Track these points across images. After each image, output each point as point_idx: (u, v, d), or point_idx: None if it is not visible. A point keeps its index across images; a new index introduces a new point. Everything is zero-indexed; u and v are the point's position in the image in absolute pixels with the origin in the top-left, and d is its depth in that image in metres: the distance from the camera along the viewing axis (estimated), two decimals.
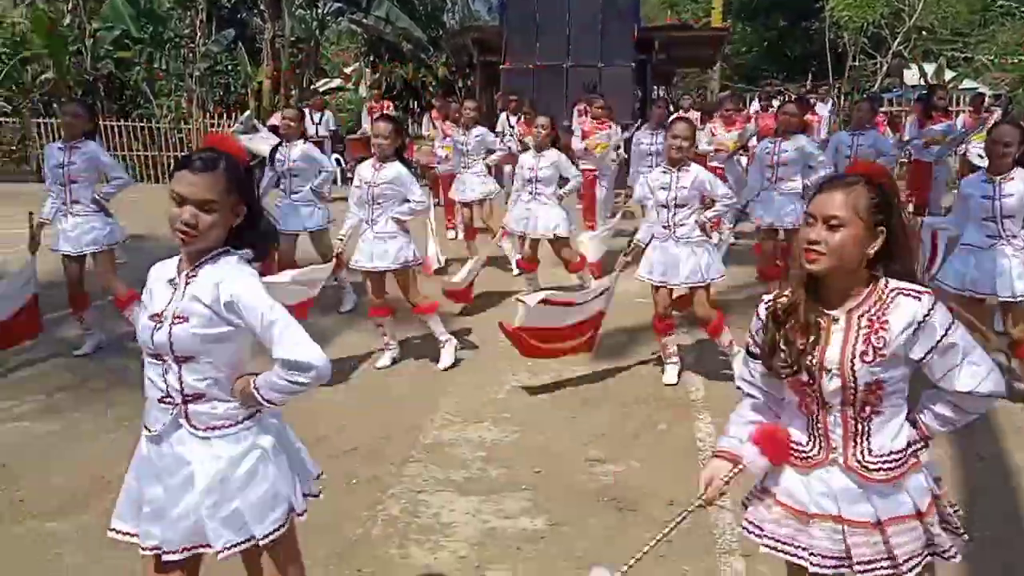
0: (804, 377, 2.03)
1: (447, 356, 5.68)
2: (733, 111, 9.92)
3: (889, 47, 22.25)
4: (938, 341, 1.95)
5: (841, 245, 1.95)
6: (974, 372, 1.98)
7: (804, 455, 2.09)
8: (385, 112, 13.50)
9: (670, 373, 5.41)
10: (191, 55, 16.82)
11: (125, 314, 5.74)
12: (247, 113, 15.77)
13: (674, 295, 5.38)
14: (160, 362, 2.16)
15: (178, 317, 2.11)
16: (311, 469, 2.41)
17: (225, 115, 16.16)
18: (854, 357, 1.97)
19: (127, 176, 6.12)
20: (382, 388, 5.34)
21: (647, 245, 5.28)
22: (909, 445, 2.04)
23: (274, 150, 6.75)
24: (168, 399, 2.18)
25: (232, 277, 2.12)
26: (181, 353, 2.12)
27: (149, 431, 2.22)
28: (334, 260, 5.56)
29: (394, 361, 5.74)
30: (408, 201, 5.40)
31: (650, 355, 5.89)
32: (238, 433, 2.19)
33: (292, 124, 6.68)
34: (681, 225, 5.11)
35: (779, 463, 2.11)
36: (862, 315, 1.99)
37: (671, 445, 4.53)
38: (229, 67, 17.54)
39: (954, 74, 25.89)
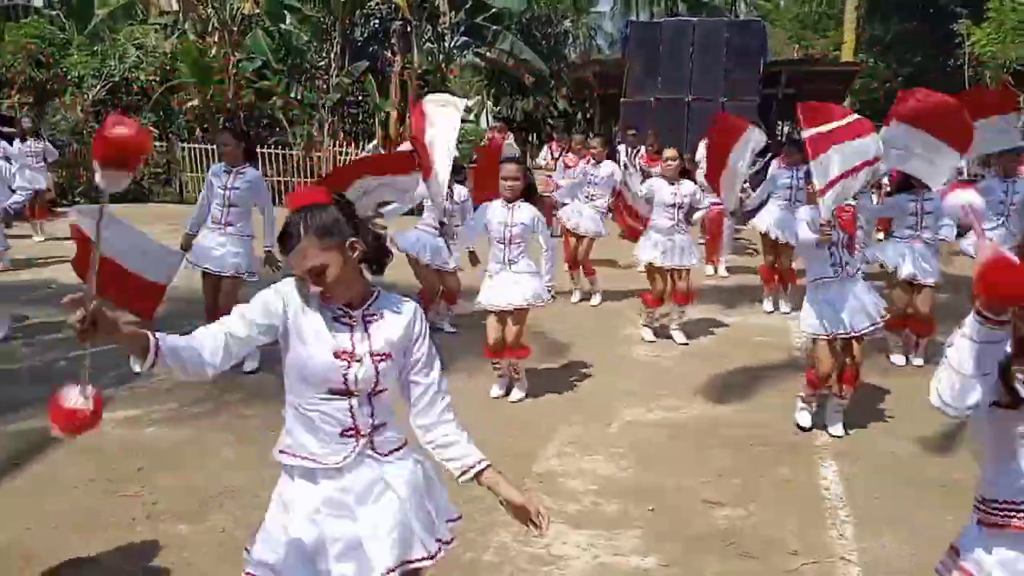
0: None
1: (520, 392, 5.67)
2: None
3: None
4: None
5: None
6: None
7: None
8: (508, 145, 13.79)
9: (805, 417, 5.17)
10: (324, 86, 17.59)
11: None
12: (373, 142, 16.38)
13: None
14: (346, 397, 2.19)
15: (378, 355, 2.19)
16: (447, 511, 2.49)
17: (352, 143, 16.80)
18: None
19: (275, 215, 6.31)
20: (497, 416, 5.34)
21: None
22: None
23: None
24: (352, 431, 2.20)
25: (410, 309, 2.27)
26: (382, 387, 2.22)
27: (324, 464, 2.20)
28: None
29: (508, 391, 5.72)
30: (540, 235, 5.45)
31: (773, 396, 5.68)
32: (405, 453, 2.29)
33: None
34: (847, 264, 4.92)
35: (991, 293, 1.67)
36: None
37: (795, 492, 4.33)
38: (359, 97, 18.24)
39: None
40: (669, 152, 6.92)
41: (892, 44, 28.70)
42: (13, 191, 6.97)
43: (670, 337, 7.13)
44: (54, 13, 18.49)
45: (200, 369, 2.09)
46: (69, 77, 16.39)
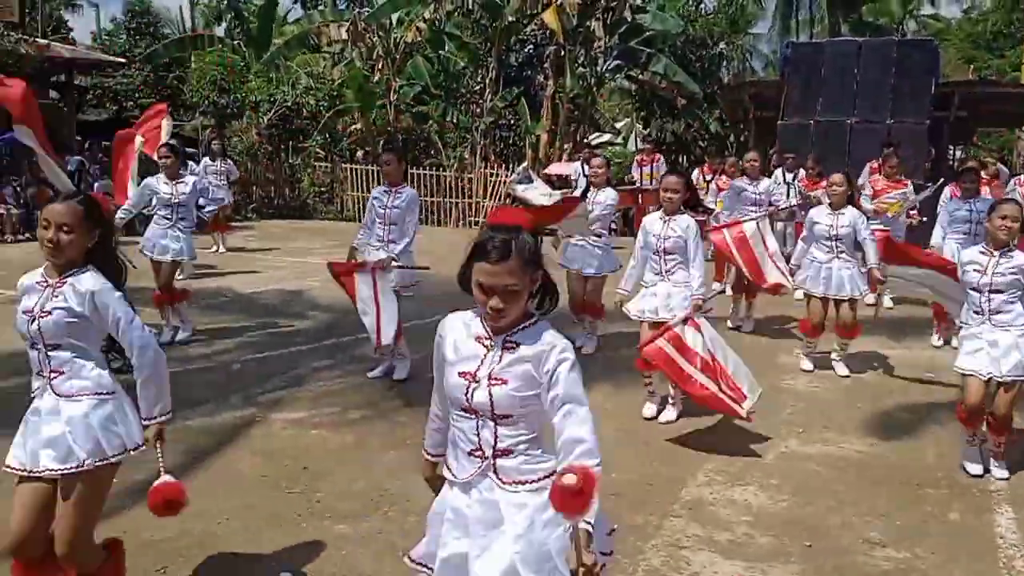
0: None
1: (672, 412, 5.61)
2: None
3: None
4: None
5: None
6: None
7: None
8: (661, 166, 13.71)
9: (974, 462, 4.85)
10: (478, 110, 18.12)
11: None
12: (524, 164, 16.68)
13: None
14: (473, 416, 2.28)
15: (496, 379, 2.23)
16: (604, 523, 2.38)
17: (503, 165, 17.18)
18: None
19: (412, 231, 6.38)
20: (647, 439, 5.30)
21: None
22: None
23: (585, 192, 7.12)
24: (479, 452, 2.28)
25: (550, 342, 2.24)
26: (500, 412, 2.24)
27: (456, 478, 2.33)
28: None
29: (658, 413, 5.68)
30: (690, 253, 5.43)
31: (941, 436, 5.34)
32: (541, 487, 2.25)
33: (599, 171, 7.08)
34: (998, 312, 4.64)
35: None
36: None
37: (966, 538, 4.05)
38: (511, 121, 18.65)
39: None
40: (836, 177, 6.63)
41: None
42: (200, 207, 7.63)
43: (831, 368, 6.83)
44: (235, 42, 20.02)
45: None
46: (247, 102, 17.67)
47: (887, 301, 9.51)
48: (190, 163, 11.75)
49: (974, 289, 4.72)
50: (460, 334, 2.33)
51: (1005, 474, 4.74)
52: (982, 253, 4.76)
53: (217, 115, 18.33)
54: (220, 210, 12.19)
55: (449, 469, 2.37)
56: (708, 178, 11.65)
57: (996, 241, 4.68)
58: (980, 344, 4.67)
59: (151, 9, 26.38)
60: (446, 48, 19.06)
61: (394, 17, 18.86)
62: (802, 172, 11.03)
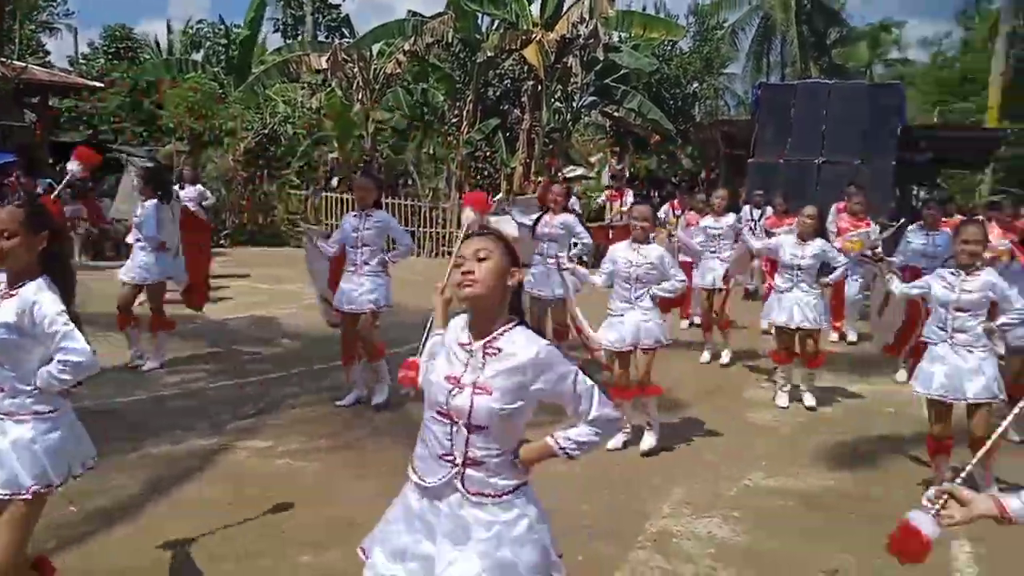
0: None
1: (651, 439, 5.65)
2: (1011, 216, 9.09)
3: None
4: None
5: None
6: None
7: None
8: (630, 200, 13.87)
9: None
10: (455, 141, 18.29)
11: (374, 365, 6.32)
12: (499, 196, 16.83)
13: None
14: (448, 421, 2.29)
15: (481, 387, 2.25)
16: (556, 549, 2.43)
17: None
18: None
19: (411, 242, 6.79)
20: (613, 470, 5.34)
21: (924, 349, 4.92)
22: None
23: (538, 219, 7.33)
24: (450, 458, 2.29)
25: (534, 350, 2.27)
26: (478, 422, 2.25)
27: (422, 481, 2.32)
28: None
29: (625, 444, 5.73)
30: (666, 280, 5.54)
31: (903, 470, 5.44)
32: (507, 502, 2.29)
33: (558, 199, 7.38)
34: (962, 332, 4.75)
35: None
36: None
37: (923, 570, 4.10)
38: (487, 153, 18.86)
39: None
40: (809, 209, 6.74)
41: None
42: None
43: (798, 400, 6.94)
44: (215, 69, 20.09)
45: None
46: (224, 129, 17.69)
47: (851, 336, 9.69)
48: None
49: (941, 305, 4.79)
50: (452, 334, 2.40)
51: None
52: (952, 274, 4.81)
53: (192, 141, 18.33)
54: None
55: (415, 470, 2.36)
56: (678, 213, 11.82)
57: (960, 265, 4.76)
58: (942, 367, 4.75)
59: (131, 34, 26.41)
60: (426, 80, 19.28)
61: (375, 48, 19.06)
62: (769, 209, 11.24)
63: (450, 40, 18.27)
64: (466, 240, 2.36)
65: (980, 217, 8.56)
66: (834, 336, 9.61)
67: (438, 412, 2.30)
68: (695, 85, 24.65)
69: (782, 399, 6.94)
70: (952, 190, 25.80)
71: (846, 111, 14.59)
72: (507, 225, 8.43)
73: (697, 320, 9.34)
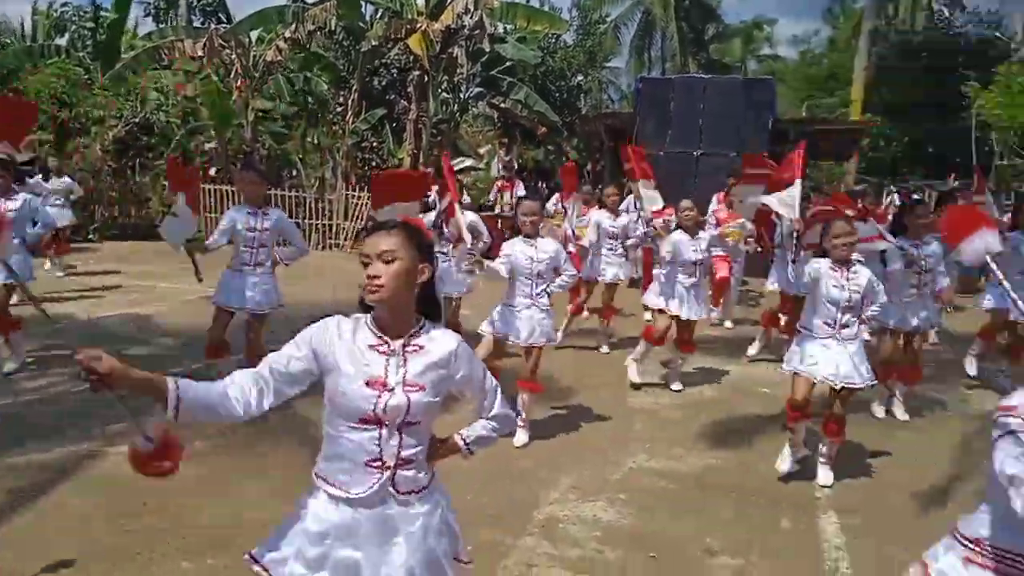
0: None
1: (524, 435, 5.67)
2: (874, 205, 9.70)
3: None
4: None
5: None
6: None
7: None
8: (519, 192, 13.99)
9: (787, 462, 5.23)
10: (340, 131, 17.94)
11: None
12: None
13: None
14: (376, 427, 2.22)
15: (412, 385, 2.22)
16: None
17: (365, 188, 17.05)
18: None
19: (307, 246, 6.63)
20: (502, 459, 5.38)
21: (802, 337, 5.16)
22: None
23: (438, 217, 7.21)
24: (378, 463, 2.23)
25: (453, 343, 2.31)
26: (412, 419, 2.23)
27: (347, 493, 2.23)
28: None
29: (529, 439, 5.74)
30: (560, 275, 5.62)
31: (775, 447, 5.71)
32: (427, 494, 2.32)
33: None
34: (846, 327, 4.98)
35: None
36: None
37: (795, 543, 4.36)
38: (374, 144, 18.58)
39: None
40: (686, 202, 6.97)
41: (900, 106, 29.09)
42: (35, 223, 7.13)
43: (663, 385, 7.22)
44: (80, 54, 18.96)
45: (231, 412, 2.16)
46: (90, 118, 16.74)
47: (727, 323, 10.13)
48: (37, 179, 11.11)
49: (831, 302, 4.95)
50: (347, 343, 2.22)
51: (830, 481, 5.12)
52: (833, 269, 4.96)
53: (57, 130, 17.25)
54: (59, 232, 11.43)
55: (334, 484, 2.24)
56: (565, 205, 11.99)
57: (837, 260, 4.96)
58: (821, 354, 4.97)
59: None
60: (309, 68, 18.81)
61: (253, 35, 18.43)
62: None
63: (333, 28, 17.87)
64: (373, 234, 2.24)
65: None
66: (715, 317, 10.00)
67: (360, 420, 2.20)
68: (580, 78, 25.05)
69: (633, 370, 7.19)
70: (820, 180, 27.26)
71: (721, 105, 15.13)
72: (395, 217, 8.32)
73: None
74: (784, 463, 5.22)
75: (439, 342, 2.30)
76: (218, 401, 2.14)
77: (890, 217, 9.30)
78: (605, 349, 8.62)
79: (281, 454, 5.09)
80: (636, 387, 7.12)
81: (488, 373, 2.43)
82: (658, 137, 15.34)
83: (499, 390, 2.48)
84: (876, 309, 5.12)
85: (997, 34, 29.00)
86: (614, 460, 5.45)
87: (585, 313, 8.85)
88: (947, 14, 31.19)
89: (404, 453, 2.24)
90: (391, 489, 2.24)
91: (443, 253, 7.23)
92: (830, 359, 4.95)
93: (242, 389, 2.18)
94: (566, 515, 4.56)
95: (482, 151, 26.25)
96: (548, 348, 5.81)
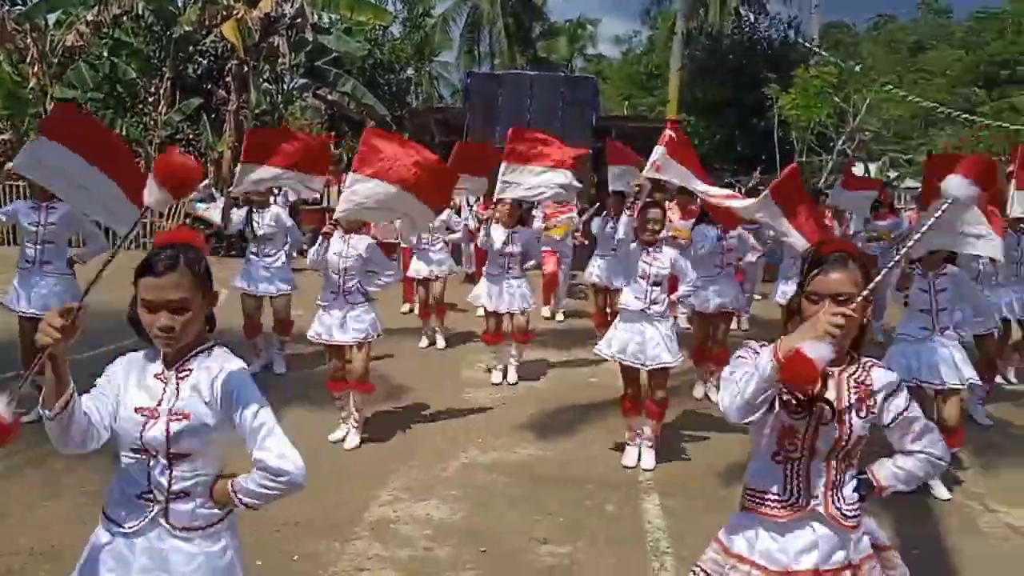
0: (802, 425, 2.14)
1: (355, 437, 5.58)
2: (690, 200, 10.20)
3: (834, 146, 23.22)
4: (903, 411, 2.16)
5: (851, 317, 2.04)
6: (932, 439, 2.21)
7: (784, 505, 2.18)
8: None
9: (631, 455, 5.40)
10: (153, 122, 16.85)
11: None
12: (205, 182, 15.77)
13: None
14: (144, 457, 2.08)
15: (176, 414, 2.06)
16: None
17: None
18: (851, 411, 2.13)
19: (105, 240, 6.08)
20: (332, 461, 5.24)
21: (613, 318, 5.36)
22: (861, 493, 2.22)
23: (249, 215, 6.91)
24: (149, 496, 2.09)
25: (228, 370, 2.11)
26: (177, 451, 2.07)
27: (121, 527, 2.10)
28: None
29: (361, 443, 5.62)
30: (376, 274, 5.50)
31: (602, 434, 5.90)
32: (215, 533, 2.14)
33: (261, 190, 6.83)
34: (655, 303, 5.22)
35: (789, 381, 1.94)
36: (850, 376, 2.19)
37: (620, 527, 4.50)
38: (190, 136, 17.58)
39: (897, 173, 27.06)
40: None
41: (711, 106, 30.90)
42: None
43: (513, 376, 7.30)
44: None
45: (81, 445, 2.04)
46: None
47: (560, 315, 10.38)
48: None
49: (642, 277, 5.23)
50: (136, 373, 2.14)
51: (652, 464, 5.34)
52: (644, 251, 5.27)
53: None
54: None
55: (108, 516, 2.13)
56: None
57: (645, 242, 5.25)
58: (633, 335, 5.20)
59: None
60: (116, 55, 17.51)
61: (51, 17, 16.97)
62: (481, 197, 11.63)
63: (141, 12, 16.75)
64: (153, 277, 2.02)
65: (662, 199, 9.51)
66: (546, 312, 10.22)
67: (131, 449, 2.09)
68: (410, 71, 24.88)
69: (496, 375, 7.26)
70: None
71: (547, 102, 15.51)
72: (216, 213, 7.94)
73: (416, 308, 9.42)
74: (628, 457, 5.40)
75: (214, 367, 2.12)
76: (82, 428, 2.02)
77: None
78: (434, 343, 8.59)
79: (82, 472, 4.68)
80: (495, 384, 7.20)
81: (264, 411, 2.08)
82: (488, 132, 15.49)
83: (277, 438, 2.07)
84: (688, 288, 5.44)
85: (797, 39, 31.45)
86: (448, 457, 5.43)
87: (406, 307, 8.78)
88: (752, 19, 33.48)
89: (176, 486, 2.09)
90: (164, 523, 2.10)
91: (255, 254, 6.98)
92: (637, 339, 5.18)
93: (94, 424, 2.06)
94: (397, 515, 4.50)
95: None
96: (384, 345, 5.72)
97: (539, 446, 5.74)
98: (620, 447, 5.52)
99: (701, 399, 6.91)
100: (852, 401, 2.14)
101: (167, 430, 2.05)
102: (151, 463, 2.08)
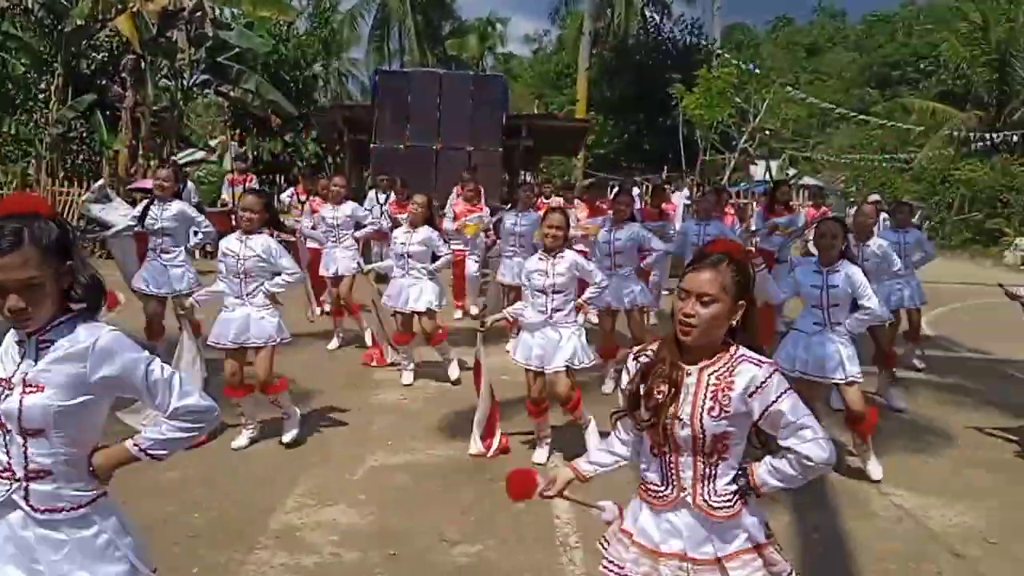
0: (660, 427, 2.23)
1: (293, 431, 5.53)
2: (598, 198, 10.38)
3: (736, 144, 23.97)
4: (770, 404, 2.17)
5: (712, 318, 2.16)
6: (802, 436, 2.20)
7: (658, 494, 2.31)
8: (251, 187, 13.29)
9: (540, 453, 5.42)
10: (43, 120, 16.04)
11: None
12: (100, 182, 15.11)
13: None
14: (1, 432, 1.99)
15: (30, 385, 1.97)
16: (148, 563, 2.24)
17: (76, 183, 15.43)
18: (702, 412, 2.17)
19: None
20: (234, 468, 5.09)
21: (519, 329, 5.37)
22: (737, 488, 2.25)
23: (146, 209, 6.70)
24: (7, 473, 2.00)
25: (90, 338, 2.01)
26: (29, 426, 1.97)
27: None
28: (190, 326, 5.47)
29: (252, 441, 5.51)
30: (279, 274, 5.35)
31: (513, 432, 5.91)
32: (83, 517, 2.05)
33: (165, 184, 6.71)
34: (558, 310, 5.21)
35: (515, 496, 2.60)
36: (712, 373, 2.22)
37: (529, 524, 4.51)
38: (84, 134, 16.80)
39: (795, 171, 28.13)
40: (418, 198, 7.03)
41: (620, 104, 31.46)
42: None
43: (425, 377, 7.27)
44: None
45: None
46: None
47: (474, 310, 10.36)
48: None
49: (540, 291, 5.21)
50: (8, 340, 2.06)
51: (544, 459, 5.36)
52: (540, 260, 5.27)
53: None
54: None
55: None
56: (302, 199, 11.62)
57: (547, 249, 5.25)
58: (537, 340, 5.22)
59: None
60: (4, 49, 16.58)
61: None
62: (393, 195, 11.53)
63: (30, 5, 15.92)
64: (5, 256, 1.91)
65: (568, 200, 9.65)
66: (458, 313, 10.18)
67: None
68: (317, 68, 24.41)
69: (407, 377, 7.18)
70: (551, 174, 28.83)
71: (456, 100, 15.47)
72: (113, 214, 7.64)
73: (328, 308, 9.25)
74: (539, 455, 5.42)
75: (79, 337, 2.02)
76: None
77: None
78: (334, 344, 8.46)
79: None
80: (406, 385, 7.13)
81: (155, 364, 2.08)
82: (397, 130, 15.37)
83: (177, 380, 2.12)
84: (595, 291, 5.47)
85: (699, 40, 32.32)
86: (357, 460, 5.34)
87: (317, 310, 8.62)
88: (656, 20, 34.22)
89: (33, 465, 2.00)
90: (24, 504, 2.00)
91: (152, 250, 6.78)
92: (533, 344, 5.22)
93: None
94: (303, 522, 4.39)
95: (214, 143, 24.79)
96: (292, 349, 5.60)
97: (450, 446, 5.71)
98: (530, 444, 5.54)
99: (610, 394, 7.00)
100: (703, 402, 2.18)
101: (20, 403, 1.96)
102: (7, 438, 1.99)
